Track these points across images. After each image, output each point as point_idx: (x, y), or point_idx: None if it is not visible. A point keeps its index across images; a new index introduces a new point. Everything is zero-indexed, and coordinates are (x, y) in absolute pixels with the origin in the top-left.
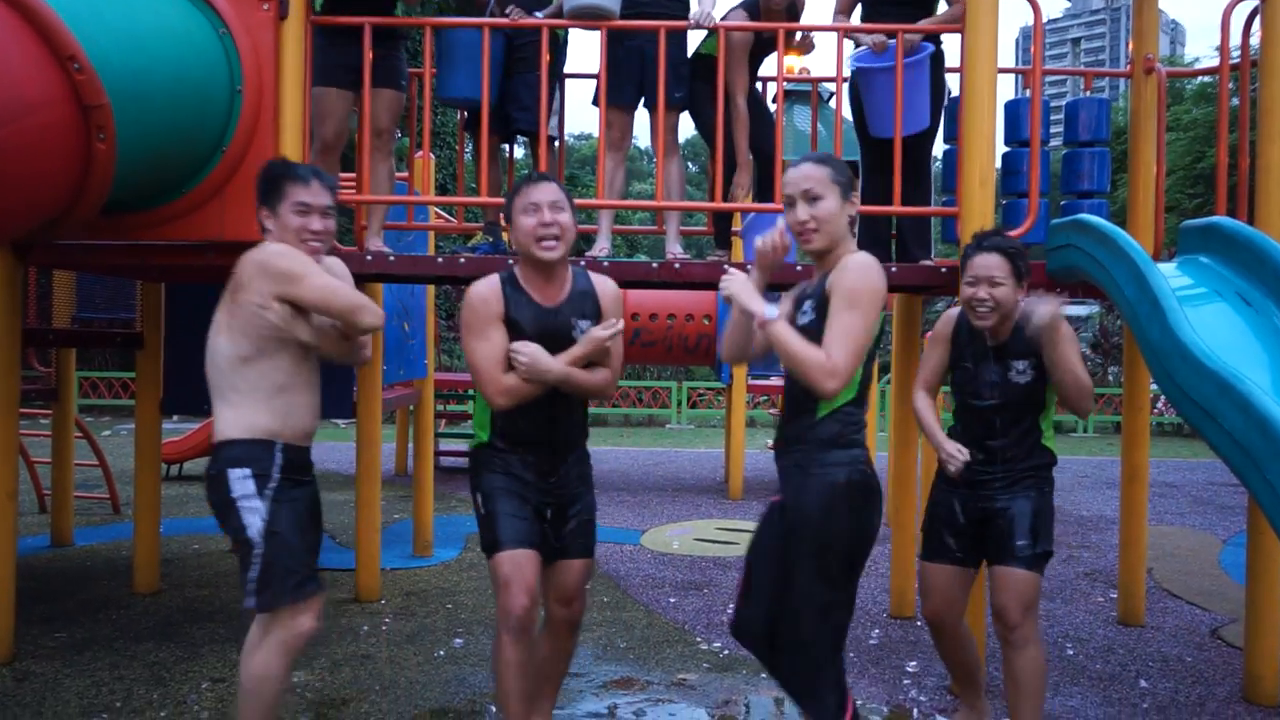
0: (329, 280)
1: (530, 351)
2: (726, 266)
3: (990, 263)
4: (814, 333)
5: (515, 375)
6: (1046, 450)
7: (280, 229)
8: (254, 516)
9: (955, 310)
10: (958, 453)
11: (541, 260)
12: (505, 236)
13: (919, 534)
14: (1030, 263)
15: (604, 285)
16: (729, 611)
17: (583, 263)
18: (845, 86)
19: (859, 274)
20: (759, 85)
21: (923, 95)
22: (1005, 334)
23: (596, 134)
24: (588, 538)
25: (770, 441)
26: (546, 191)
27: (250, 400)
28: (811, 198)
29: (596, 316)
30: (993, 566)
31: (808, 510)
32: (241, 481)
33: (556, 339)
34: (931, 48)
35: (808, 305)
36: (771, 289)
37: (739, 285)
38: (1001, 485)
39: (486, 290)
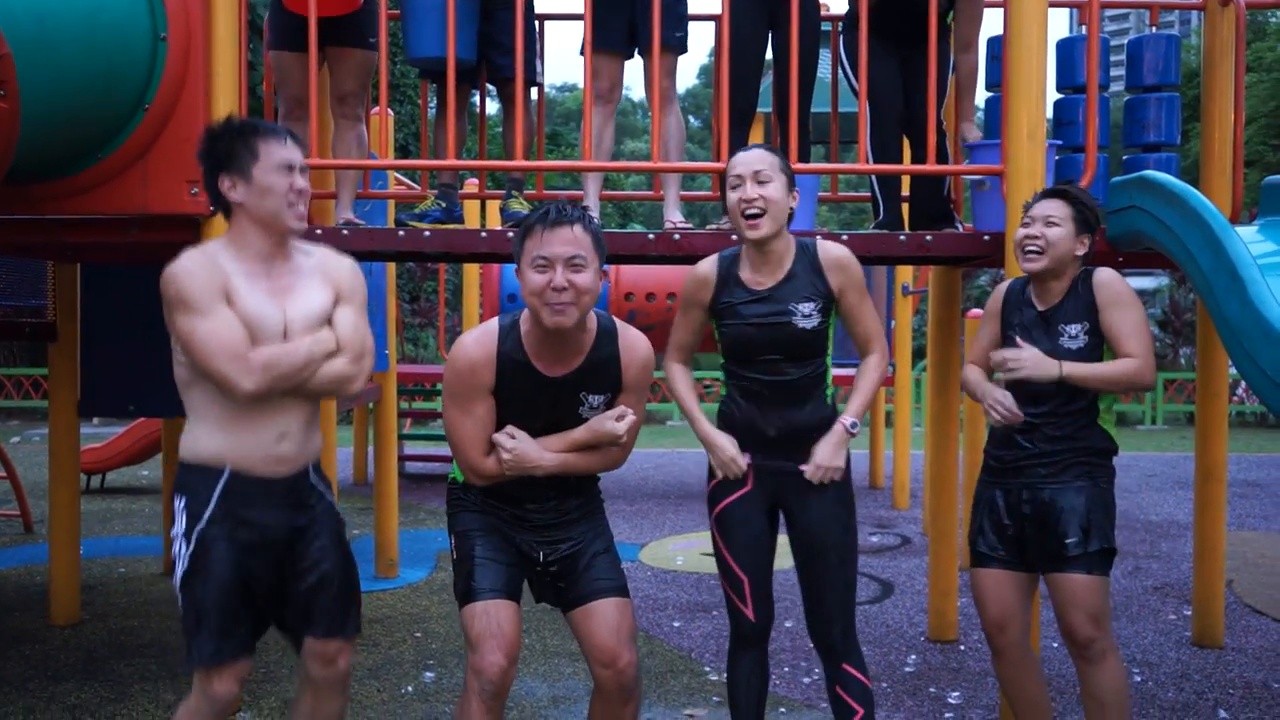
0: (203, 328)
1: (517, 448)
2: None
3: (1049, 206)
4: (824, 334)
5: (498, 461)
6: (1102, 433)
7: (258, 195)
8: (179, 560)
9: (1005, 283)
10: (1003, 399)
11: (550, 328)
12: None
13: (962, 545)
14: (1099, 215)
15: (633, 353)
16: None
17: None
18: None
19: (860, 269)
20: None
21: (999, 210)
22: (1056, 297)
23: (581, 84)
24: (610, 572)
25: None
26: (564, 242)
27: (198, 420)
28: (761, 180)
29: (615, 389)
30: (1047, 575)
31: (845, 476)
32: (179, 513)
33: (558, 413)
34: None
35: (810, 308)
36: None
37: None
38: (1048, 472)
39: (477, 356)
